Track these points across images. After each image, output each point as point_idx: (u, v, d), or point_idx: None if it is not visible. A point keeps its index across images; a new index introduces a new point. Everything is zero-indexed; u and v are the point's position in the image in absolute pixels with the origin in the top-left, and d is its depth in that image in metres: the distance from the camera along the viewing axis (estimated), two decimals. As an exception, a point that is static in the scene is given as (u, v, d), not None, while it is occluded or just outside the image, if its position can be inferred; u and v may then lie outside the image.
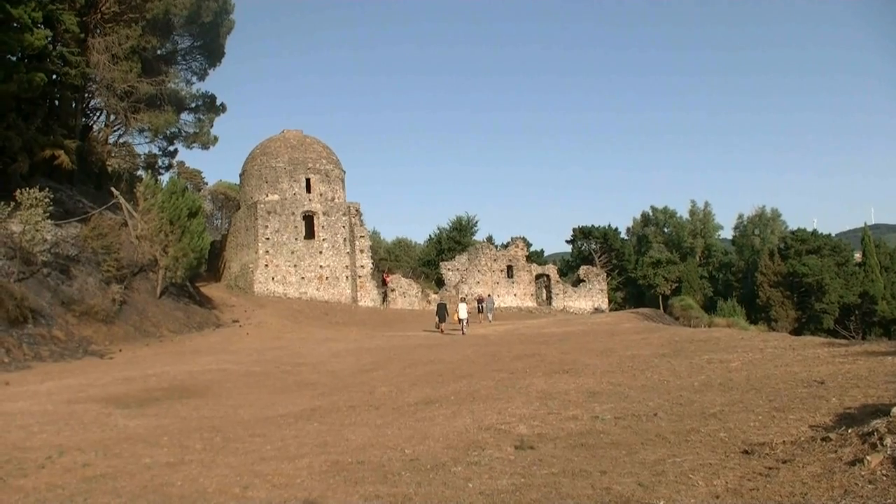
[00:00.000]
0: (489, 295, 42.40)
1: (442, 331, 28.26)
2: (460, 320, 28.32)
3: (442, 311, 29.03)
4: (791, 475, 5.52)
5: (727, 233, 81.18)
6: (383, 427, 9.48)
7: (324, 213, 42.24)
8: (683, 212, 79.76)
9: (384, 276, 44.82)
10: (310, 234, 41.96)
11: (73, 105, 35.33)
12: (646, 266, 62.84)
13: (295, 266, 40.98)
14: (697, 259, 72.81)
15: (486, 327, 31.35)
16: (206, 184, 70.09)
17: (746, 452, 6.48)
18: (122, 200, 32.17)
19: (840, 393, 8.56)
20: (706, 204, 78.55)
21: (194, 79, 45.32)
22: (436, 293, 45.70)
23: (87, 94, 36.78)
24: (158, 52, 40.37)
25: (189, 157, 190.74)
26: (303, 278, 41.00)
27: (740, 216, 79.23)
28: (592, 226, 66.25)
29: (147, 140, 44.17)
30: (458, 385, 12.97)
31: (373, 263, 43.83)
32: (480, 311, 36.63)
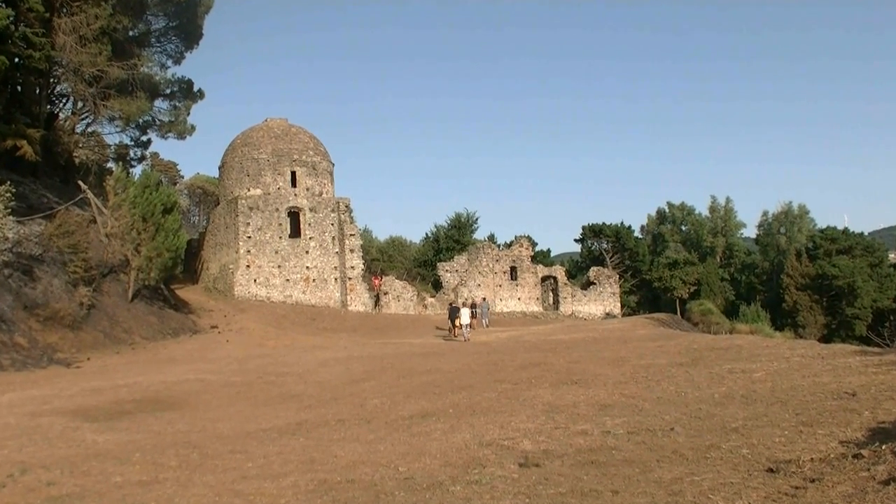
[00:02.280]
0: (484, 299, 42.46)
1: (455, 334, 29.79)
2: (462, 326, 28.86)
3: (454, 314, 30.38)
4: (820, 495, 5.53)
5: (750, 231, 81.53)
6: (375, 442, 9.49)
7: (310, 210, 42.24)
8: (703, 208, 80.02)
9: (374, 279, 44.78)
10: (295, 232, 41.95)
11: (38, 91, 35.28)
12: (662, 267, 62.93)
13: (279, 267, 40.97)
14: (718, 260, 72.96)
15: (487, 334, 31.50)
16: (183, 177, 70.21)
17: (771, 471, 6.49)
18: (90, 195, 32.13)
19: (873, 406, 8.58)
20: (727, 200, 78.91)
21: (169, 62, 45.33)
22: (433, 296, 45.74)
23: (52, 80, 36.71)
24: (130, 33, 40.31)
25: (164, 147, 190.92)
26: (288, 280, 41.00)
27: (765, 213, 79.54)
28: (603, 223, 66.32)
29: (118, 129, 44.15)
30: (457, 397, 12.99)
31: (364, 264, 43.82)
32: (474, 316, 36.82)
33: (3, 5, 27.04)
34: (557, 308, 49.88)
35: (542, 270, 51.05)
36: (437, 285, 48.65)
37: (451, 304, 34.27)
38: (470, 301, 40.26)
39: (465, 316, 29.12)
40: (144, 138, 46.95)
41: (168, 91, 45.45)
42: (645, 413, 9.87)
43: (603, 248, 65.53)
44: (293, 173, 42.93)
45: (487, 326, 35.85)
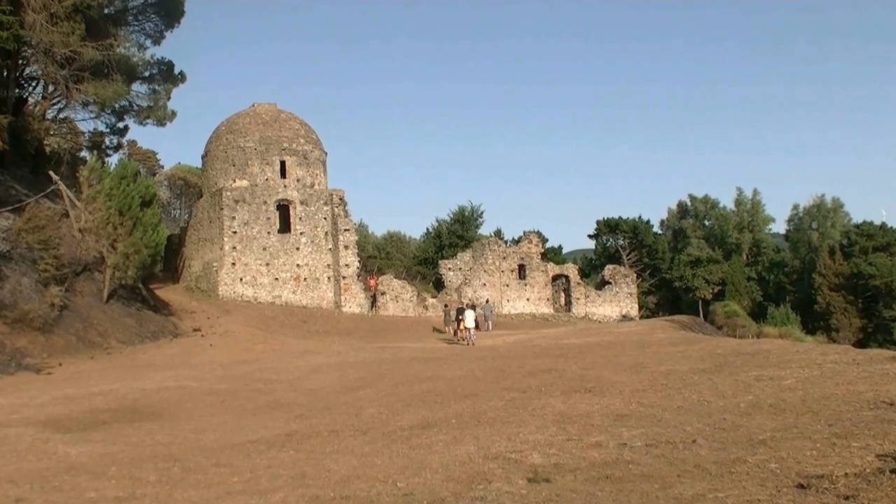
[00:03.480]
0: (488, 300, 42.47)
1: (460, 338, 30.58)
2: (467, 329, 29.15)
3: (457, 315, 31.27)
4: (854, 514, 5.52)
5: (779, 226, 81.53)
6: (371, 455, 9.50)
7: (301, 203, 42.27)
8: (728, 201, 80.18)
9: (370, 278, 44.87)
10: (285, 226, 41.99)
11: (5, 74, 35.29)
12: (683, 266, 62.91)
13: (267, 265, 41.02)
14: (744, 257, 72.98)
15: (493, 338, 31.57)
16: (162, 167, 70.15)
17: (802, 486, 6.49)
18: (62, 187, 32.17)
19: (913, 416, 8.56)
20: (755, 192, 79.01)
21: (148, 42, 45.20)
22: (434, 297, 45.78)
23: (21, 61, 36.73)
24: (106, 10, 40.25)
25: (142, 135, 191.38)
26: (276, 279, 41.05)
27: (795, 207, 79.63)
28: (620, 218, 66.43)
29: (92, 115, 44.04)
30: (461, 406, 13.00)
31: (359, 262, 43.87)
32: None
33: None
34: (569, 309, 49.89)
35: (553, 269, 51.05)
36: (438, 285, 48.68)
37: (445, 305, 34.63)
38: (471, 302, 40.33)
39: (469, 318, 29.26)
40: (121, 125, 46.88)
41: (147, 73, 45.38)
42: (664, 424, 9.87)
43: (619, 244, 65.54)
44: (282, 163, 42.95)
45: (489, 330, 35.93)
